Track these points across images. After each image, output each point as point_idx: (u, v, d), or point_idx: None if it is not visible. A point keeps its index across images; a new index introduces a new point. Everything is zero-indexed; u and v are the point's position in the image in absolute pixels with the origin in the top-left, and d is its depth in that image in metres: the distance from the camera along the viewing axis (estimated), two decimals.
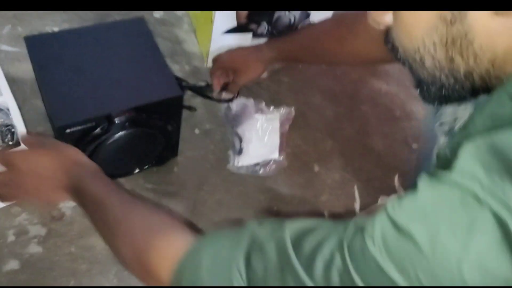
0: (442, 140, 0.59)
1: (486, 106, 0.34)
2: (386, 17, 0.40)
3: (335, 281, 0.34)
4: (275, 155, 0.89)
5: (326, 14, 1.01)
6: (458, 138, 0.35)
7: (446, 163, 0.32)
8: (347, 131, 1.00)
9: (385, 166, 0.97)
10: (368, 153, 0.98)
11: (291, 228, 0.40)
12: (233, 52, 0.91)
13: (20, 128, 0.71)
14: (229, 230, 0.46)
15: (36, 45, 0.69)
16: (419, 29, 0.36)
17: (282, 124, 0.92)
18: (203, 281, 0.42)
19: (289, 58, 0.89)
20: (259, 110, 0.92)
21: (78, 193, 0.59)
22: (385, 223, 0.32)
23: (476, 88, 0.38)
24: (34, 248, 0.71)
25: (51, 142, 0.64)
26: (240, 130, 0.89)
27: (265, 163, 0.89)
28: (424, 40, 0.36)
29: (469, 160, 0.30)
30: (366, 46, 0.72)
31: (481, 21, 0.33)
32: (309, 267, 0.36)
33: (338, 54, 0.81)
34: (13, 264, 0.69)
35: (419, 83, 0.41)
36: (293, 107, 0.93)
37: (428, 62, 0.37)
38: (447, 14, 0.34)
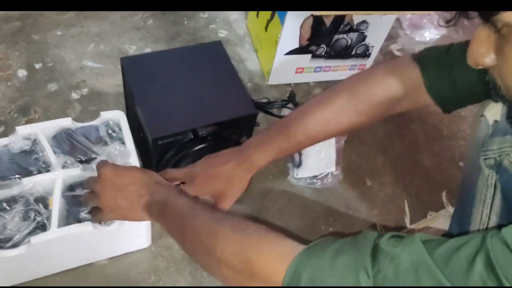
0: (486, 172, 0.61)
1: None
2: (487, 60, 0.43)
3: (475, 279, 0.36)
4: (332, 168, 0.96)
5: (381, 36, 1.07)
6: None
7: None
8: (398, 148, 1.06)
9: (433, 182, 1.02)
10: (417, 170, 1.03)
11: (422, 236, 0.42)
12: (208, 170, 0.69)
13: None
14: (341, 239, 0.47)
15: (130, 65, 0.78)
16: None
17: (338, 140, 0.98)
18: (325, 281, 0.42)
19: (287, 153, 0.73)
20: None
21: (161, 209, 0.59)
22: None
23: None
24: None
25: (132, 166, 0.68)
26: None
27: (323, 176, 0.95)
28: None
29: None
30: (370, 110, 0.69)
31: None
32: (446, 267, 0.38)
33: (356, 126, 0.72)
34: (102, 259, 0.78)
35: None
36: None
37: None
38: None
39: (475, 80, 0.61)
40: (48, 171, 0.70)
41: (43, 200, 0.68)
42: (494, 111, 0.61)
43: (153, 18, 1.14)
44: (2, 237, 0.64)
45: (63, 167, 0.71)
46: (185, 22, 1.16)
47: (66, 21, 1.09)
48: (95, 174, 0.66)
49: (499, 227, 0.38)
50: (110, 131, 0.76)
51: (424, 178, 1.02)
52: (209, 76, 0.80)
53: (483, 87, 0.61)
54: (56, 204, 0.67)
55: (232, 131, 0.79)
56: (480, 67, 0.45)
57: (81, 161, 0.73)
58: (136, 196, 0.61)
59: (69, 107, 0.94)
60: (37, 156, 0.72)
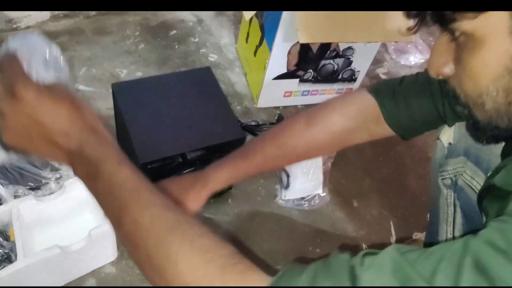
0: (445, 192, 0.65)
1: None
2: (447, 69, 0.44)
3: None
4: (319, 190, 0.97)
5: (367, 61, 1.10)
6: None
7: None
8: (384, 170, 1.08)
9: (419, 203, 1.04)
10: (403, 191, 1.05)
11: (398, 248, 0.38)
12: (168, 183, 0.70)
13: None
14: (310, 266, 0.41)
15: (121, 90, 0.80)
16: (486, 78, 0.41)
17: (325, 162, 1.00)
18: None
19: (245, 173, 0.71)
20: None
21: (90, 172, 0.45)
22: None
23: None
24: (109, 269, 0.80)
25: (70, 94, 0.48)
26: (287, 167, 0.98)
27: (310, 198, 0.97)
28: (489, 87, 0.40)
29: None
30: (326, 138, 0.70)
31: None
32: (431, 280, 0.35)
33: (312, 153, 0.74)
34: (91, 282, 0.78)
35: (474, 124, 0.47)
36: None
37: (488, 106, 0.42)
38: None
39: (430, 109, 0.64)
40: (0, 204, 0.71)
41: (1, 233, 0.69)
42: (448, 135, 0.65)
43: (145, 42, 1.17)
44: None
45: (15, 197, 0.72)
46: (176, 47, 1.18)
47: (58, 45, 1.10)
48: None
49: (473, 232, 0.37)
50: None
51: (410, 199, 1.04)
52: (198, 101, 0.82)
53: (438, 114, 0.64)
54: (18, 234, 0.67)
55: (221, 155, 0.80)
56: (440, 77, 0.46)
57: (32, 189, 0.74)
58: (60, 139, 0.46)
59: None
60: None
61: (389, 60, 1.35)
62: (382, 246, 0.93)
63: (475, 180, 0.61)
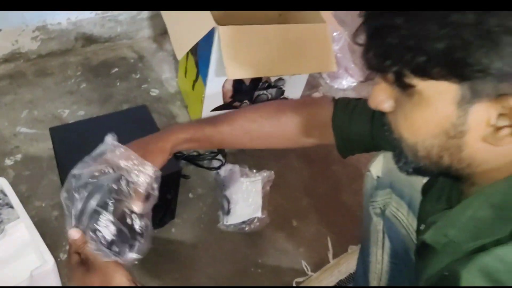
0: (375, 219, 0.71)
1: (466, 208, 0.43)
2: (386, 106, 0.45)
3: None
4: (258, 213, 1.03)
5: (298, 89, 1.19)
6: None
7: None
8: (321, 189, 1.16)
9: (354, 218, 1.12)
10: (339, 208, 1.13)
11: None
12: (133, 145, 0.71)
13: None
14: None
15: (58, 134, 0.84)
16: (424, 133, 0.42)
17: (264, 186, 1.06)
18: None
19: (209, 140, 0.71)
20: (244, 174, 1.06)
21: None
22: None
23: (446, 173, 0.46)
24: None
25: (101, 266, 0.56)
26: (228, 193, 1.03)
27: (250, 221, 1.03)
28: (425, 141, 0.42)
29: None
30: (301, 130, 0.70)
31: (474, 142, 0.40)
32: None
33: (273, 138, 0.72)
34: None
35: (399, 158, 0.49)
36: (273, 171, 1.08)
37: (421, 153, 0.44)
38: (451, 130, 0.40)
39: (365, 131, 0.65)
40: None
41: None
42: (377, 168, 0.70)
43: (86, 81, 1.21)
44: None
45: None
46: (118, 84, 1.23)
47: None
48: None
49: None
50: None
51: (346, 215, 1.12)
52: (134, 139, 0.87)
53: (371, 140, 0.66)
54: None
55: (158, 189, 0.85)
56: (379, 109, 0.47)
57: None
58: None
59: (3, 174, 0.97)
60: None
61: (324, 85, 1.44)
62: (320, 260, 1.01)
63: (400, 212, 0.67)
